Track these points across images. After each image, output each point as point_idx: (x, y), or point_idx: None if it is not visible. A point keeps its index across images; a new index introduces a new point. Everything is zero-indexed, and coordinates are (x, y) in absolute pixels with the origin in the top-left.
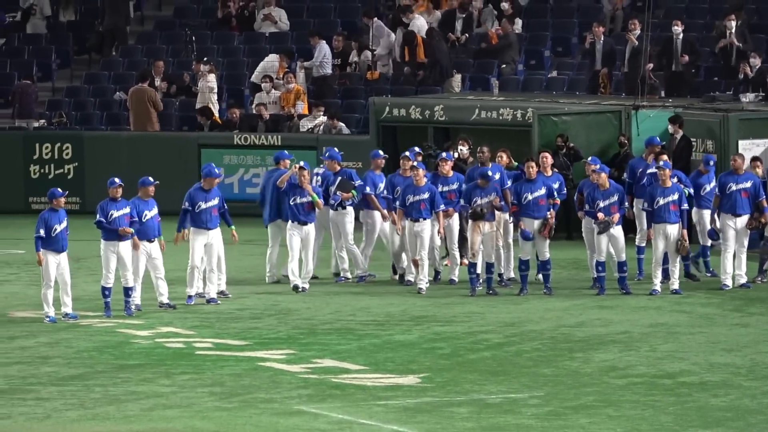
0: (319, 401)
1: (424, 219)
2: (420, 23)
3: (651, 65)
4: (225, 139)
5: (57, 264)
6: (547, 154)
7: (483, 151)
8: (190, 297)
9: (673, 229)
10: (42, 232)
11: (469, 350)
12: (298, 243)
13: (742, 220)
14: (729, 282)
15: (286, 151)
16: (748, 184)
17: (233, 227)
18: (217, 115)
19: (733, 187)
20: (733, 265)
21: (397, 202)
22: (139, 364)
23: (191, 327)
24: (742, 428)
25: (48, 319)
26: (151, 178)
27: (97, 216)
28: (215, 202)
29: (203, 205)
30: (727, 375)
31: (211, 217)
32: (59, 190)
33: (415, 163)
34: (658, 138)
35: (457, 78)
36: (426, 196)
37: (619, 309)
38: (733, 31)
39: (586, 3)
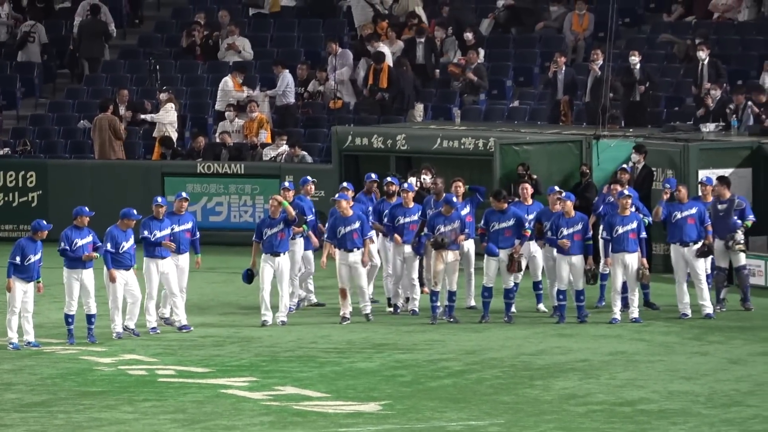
0: (281, 428)
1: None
2: (385, 52)
3: (612, 95)
4: (188, 167)
5: (24, 292)
6: (527, 185)
7: (437, 183)
8: (153, 328)
9: (632, 258)
10: (17, 259)
11: (430, 378)
12: (270, 274)
13: (691, 249)
14: (688, 311)
15: (309, 177)
16: (693, 211)
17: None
18: (175, 143)
19: (678, 215)
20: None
21: (325, 236)
22: (102, 391)
23: (154, 354)
24: None
25: (11, 345)
26: (134, 211)
27: (62, 244)
28: (168, 231)
29: (158, 234)
30: (686, 403)
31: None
32: (44, 222)
33: (406, 185)
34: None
35: (419, 108)
36: (416, 217)
37: (579, 337)
38: (706, 62)
39: (548, 33)
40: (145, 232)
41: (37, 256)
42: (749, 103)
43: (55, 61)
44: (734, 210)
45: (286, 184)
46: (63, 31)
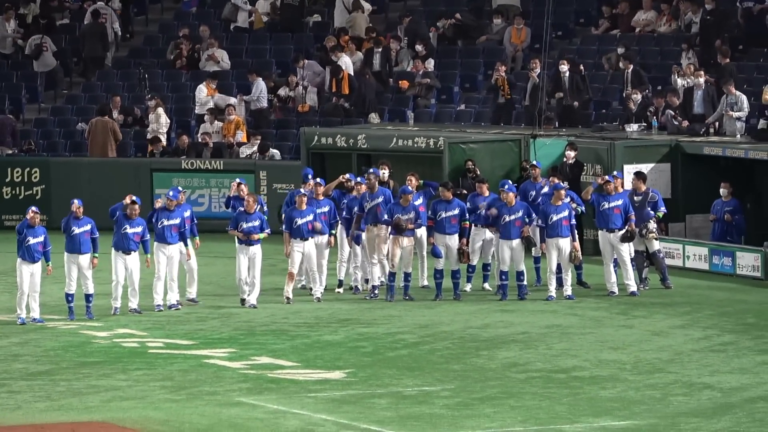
0: (257, 393)
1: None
2: (346, 61)
3: (548, 100)
4: (174, 164)
5: (31, 274)
6: (483, 185)
7: (388, 182)
8: (172, 305)
9: (565, 242)
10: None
11: (388, 349)
12: (245, 263)
13: (616, 235)
14: (615, 289)
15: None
16: (620, 202)
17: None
18: (164, 142)
19: (606, 206)
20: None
21: (284, 226)
22: (98, 362)
23: (145, 329)
24: (627, 416)
25: (19, 320)
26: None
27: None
28: (177, 221)
29: (165, 222)
30: (614, 370)
31: (172, 234)
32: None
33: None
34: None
35: (375, 115)
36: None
37: (519, 312)
38: (630, 71)
39: (491, 45)
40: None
41: (38, 239)
42: (668, 111)
43: (68, 66)
44: (648, 202)
45: (237, 179)
46: (63, 44)
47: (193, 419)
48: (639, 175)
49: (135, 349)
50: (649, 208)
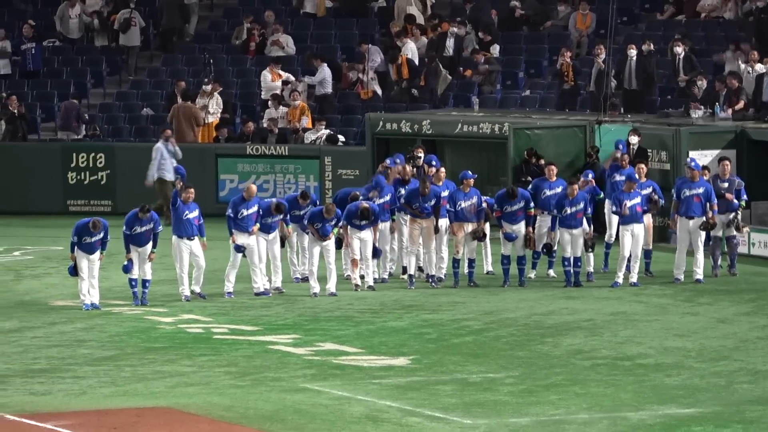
0: (322, 380)
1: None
2: (411, 47)
3: (615, 83)
4: (239, 149)
5: (89, 261)
6: (553, 166)
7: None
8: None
9: (639, 229)
10: (75, 239)
11: (453, 335)
12: (317, 253)
13: (696, 222)
14: (681, 276)
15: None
16: (701, 190)
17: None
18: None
19: (687, 193)
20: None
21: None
22: (163, 347)
23: (209, 314)
24: (692, 404)
25: (85, 306)
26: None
27: (125, 227)
28: (255, 209)
29: (245, 212)
30: (679, 357)
31: (250, 222)
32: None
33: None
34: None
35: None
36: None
37: (585, 299)
38: (682, 56)
39: (556, 30)
40: (240, 210)
41: (95, 238)
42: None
43: (149, 40)
44: (735, 190)
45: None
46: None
47: (257, 405)
48: (723, 160)
49: (200, 334)
50: (734, 197)
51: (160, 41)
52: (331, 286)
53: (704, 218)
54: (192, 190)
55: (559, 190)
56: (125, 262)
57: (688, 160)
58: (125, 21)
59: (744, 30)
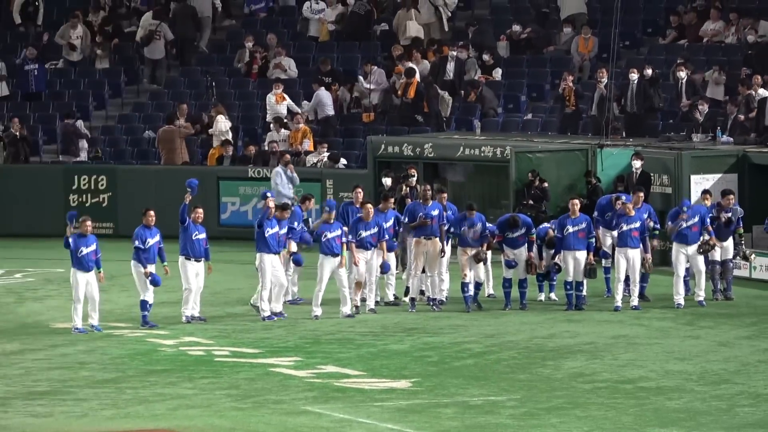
0: (323, 402)
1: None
2: (415, 68)
3: (617, 108)
4: (241, 172)
5: (87, 282)
6: (575, 201)
7: (426, 189)
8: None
9: (635, 253)
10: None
11: (454, 358)
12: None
13: (693, 248)
14: (682, 302)
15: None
16: (696, 219)
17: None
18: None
19: (683, 225)
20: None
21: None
22: (165, 369)
23: (211, 337)
24: (693, 427)
25: (75, 330)
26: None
27: (136, 242)
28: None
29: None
30: (680, 381)
31: (279, 243)
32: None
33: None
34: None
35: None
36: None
37: (586, 322)
38: (684, 81)
39: (558, 54)
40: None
41: (90, 248)
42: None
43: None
44: (738, 218)
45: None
46: (131, 51)
47: (258, 428)
48: (728, 192)
49: (201, 357)
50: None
51: (175, 52)
52: (347, 308)
53: (702, 241)
54: (201, 210)
55: (583, 225)
56: (149, 277)
57: (624, 197)
58: (149, 33)
59: (745, 55)
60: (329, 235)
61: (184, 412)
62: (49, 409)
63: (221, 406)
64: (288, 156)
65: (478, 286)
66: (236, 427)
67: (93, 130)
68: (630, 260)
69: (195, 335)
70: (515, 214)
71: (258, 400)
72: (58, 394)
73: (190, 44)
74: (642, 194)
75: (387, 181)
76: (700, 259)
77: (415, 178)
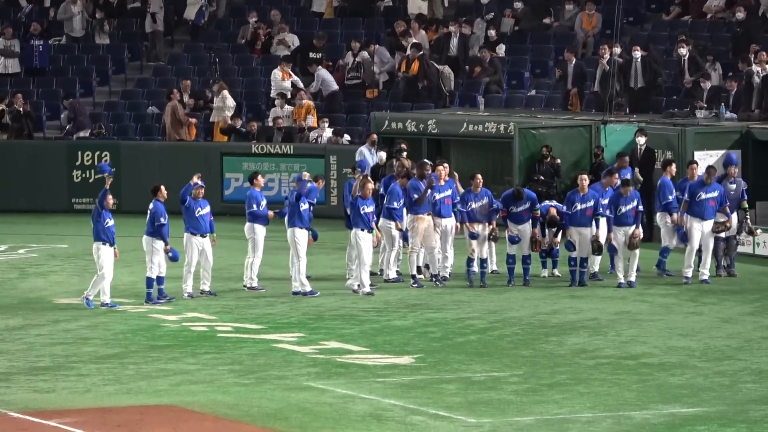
0: (326, 378)
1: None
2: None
3: (618, 87)
4: (244, 148)
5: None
6: (585, 176)
7: (402, 165)
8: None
9: (630, 231)
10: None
11: (457, 334)
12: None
13: (709, 224)
14: (689, 274)
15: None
16: (716, 194)
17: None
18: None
19: (703, 196)
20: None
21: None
22: (168, 345)
23: (214, 313)
24: (696, 403)
25: (111, 305)
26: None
27: (161, 219)
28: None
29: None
30: (683, 357)
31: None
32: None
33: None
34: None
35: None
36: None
37: (589, 299)
38: (686, 57)
39: (562, 31)
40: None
41: (110, 221)
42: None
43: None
44: (741, 190)
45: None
46: (134, 27)
47: (261, 403)
48: (732, 161)
49: (204, 333)
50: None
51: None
52: (367, 286)
53: (722, 220)
54: (203, 185)
55: (591, 203)
56: (169, 253)
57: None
58: (143, 8)
59: (752, 31)
60: (366, 210)
61: (186, 387)
62: (51, 384)
63: (224, 381)
64: (374, 135)
65: (484, 263)
66: (239, 402)
67: (96, 106)
68: (629, 237)
69: (198, 311)
70: (519, 187)
71: (261, 376)
72: (60, 369)
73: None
74: (616, 176)
75: (381, 155)
76: (711, 237)
77: (405, 152)
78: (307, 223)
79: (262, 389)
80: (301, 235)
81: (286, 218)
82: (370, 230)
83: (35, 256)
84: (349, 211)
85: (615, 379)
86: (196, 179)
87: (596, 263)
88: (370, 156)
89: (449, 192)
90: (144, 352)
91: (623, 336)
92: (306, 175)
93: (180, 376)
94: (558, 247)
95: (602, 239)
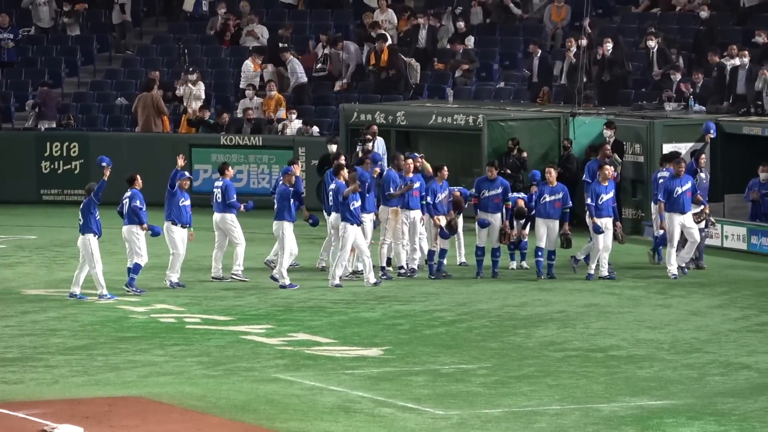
0: (294, 370)
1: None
2: (385, 37)
3: (585, 79)
4: (213, 139)
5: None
6: (551, 169)
7: (400, 158)
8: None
9: (611, 222)
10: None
11: (425, 326)
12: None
13: (688, 216)
14: (675, 272)
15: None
16: (689, 185)
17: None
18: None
19: (679, 190)
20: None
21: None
22: (136, 337)
23: (182, 304)
24: (664, 396)
25: (110, 296)
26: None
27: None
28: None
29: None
30: (651, 349)
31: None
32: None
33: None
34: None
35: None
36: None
37: (557, 291)
38: (655, 50)
39: (531, 23)
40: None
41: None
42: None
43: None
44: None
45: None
46: (103, 18)
47: (229, 395)
48: (708, 128)
49: (172, 324)
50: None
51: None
52: (370, 276)
53: (699, 211)
54: (190, 177)
55: (560, 195)
56: (148, 230)
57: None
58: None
59: (721, 23)
60: (356, 204)
61: (155, 379)
62: (19, 375)
63: (192, 373)
64: (375, 127)
65: (443, 253)
66: (207, 394)
67: (65, 97)
68: (608, 229)
69: (166, 302)
70: (493, 161)
71: (229, 368)
72: (28, 360)
73: (173, 9)
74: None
75: (332, 148)
76: (695, 228)
77: (371, 143)
78: (294, 218)
79: (230, 381)
80: (289, 229)
81: (274, 210)
82: (359, 224)
83: (3, 247)
84: (330, 199)
85: (583, 372)
86: (180, 161)
87: (596, 263)
88: (382, 148)
89: (417, 185)
90: (112, 343)
91: (591, 328)
92: (297, 170)
93: (148, 367)
94: (526, 240)
95: (610, 231)
